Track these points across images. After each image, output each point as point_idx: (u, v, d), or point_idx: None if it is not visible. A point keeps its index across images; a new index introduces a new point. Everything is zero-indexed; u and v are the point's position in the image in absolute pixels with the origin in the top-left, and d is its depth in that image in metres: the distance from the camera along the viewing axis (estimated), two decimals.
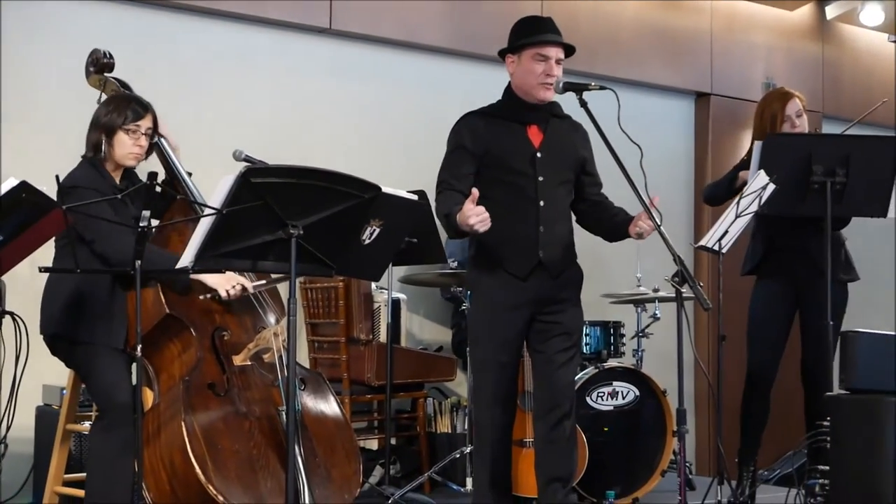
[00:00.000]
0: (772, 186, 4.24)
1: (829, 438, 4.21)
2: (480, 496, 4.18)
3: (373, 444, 5.51)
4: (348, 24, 5.92)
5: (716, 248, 4.28)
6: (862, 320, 4.58)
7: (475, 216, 3.69)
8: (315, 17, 5.83)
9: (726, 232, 4.27)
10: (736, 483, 4.91)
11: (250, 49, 5.74)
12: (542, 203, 4.05)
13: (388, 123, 6.05)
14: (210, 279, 3.86)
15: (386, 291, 5.44)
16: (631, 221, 4.02)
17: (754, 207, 4.25)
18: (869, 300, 5.64)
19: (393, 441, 5.42)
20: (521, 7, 6.01)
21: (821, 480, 4.33)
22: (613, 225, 4.13)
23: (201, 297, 3.91)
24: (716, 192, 5.06)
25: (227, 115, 5.47)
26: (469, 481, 5.12)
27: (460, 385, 5.93)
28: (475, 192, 3.73)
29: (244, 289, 3.93)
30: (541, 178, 4.06)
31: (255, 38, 5.76)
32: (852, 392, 4.20)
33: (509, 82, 4.18)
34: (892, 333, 4.29)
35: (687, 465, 5.09)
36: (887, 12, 7.21)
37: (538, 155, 4.08)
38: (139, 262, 3.39)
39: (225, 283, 3.87)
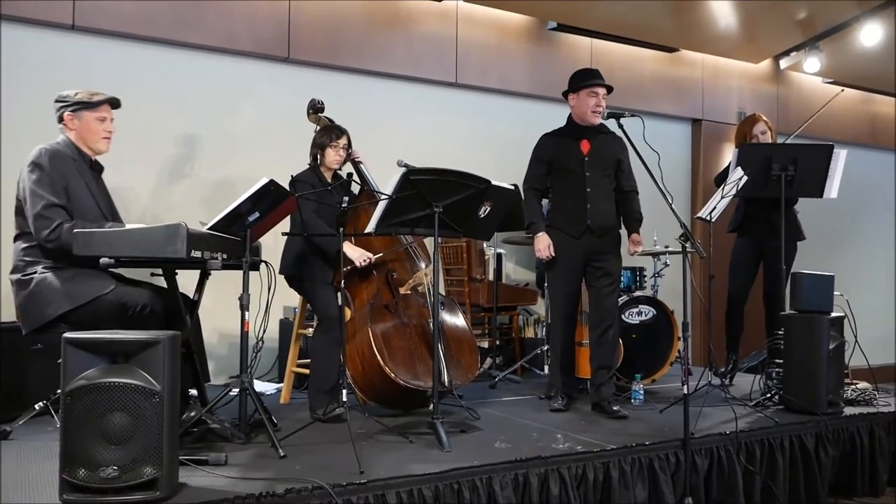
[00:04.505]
0: (745, 178, 4.12)
1: (783, 342, 4.11)
2: (554, 377, 4.19)
3: (484, 344, 5.52)
4: (469, 79, 5.87)
5: (708, 218, 4.17)
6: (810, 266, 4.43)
7: (544, 251, 4.00)
8: (447, 75, 5.79)
9: (714, 208, 4.15)
10: (725, 364, 4.92)
11: (403, 99, 5.71)
12: (589, 189, 4.02)
13: (493, 143, 5.97)
14: (350, 253, 3.82)
15: (493, 248, 5.44)
16: (629, 232, 4.09)
17: (733, 192, 4.12)
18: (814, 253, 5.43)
19: (497, 342, 5.41)
20: (580, 62, 5.94)
21: (777, 370, 4.21)
22: (625, 224, 4.12)
23: (343, 269, 3.57)
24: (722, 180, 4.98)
25: (392, 142, 5.39)
26: (546, 368, 5.11)
27: (540, 307, 5.88)
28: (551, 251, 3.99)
29: (370, 260, 3.88)
30: (588, 174, 4.03)
31: (411, 92, 5.74)
32: (799, 312, 4.10)
33: (570, 113, 4.13)
34: (826, 274, 4.16)
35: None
36: (822, 63, 6.92)
37: (586, 159, 4.03)
38: (342, 228, 3.45)
39: (359, 257, 3.85)
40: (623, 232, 4.14)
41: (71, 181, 3.21)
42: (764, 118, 4.85)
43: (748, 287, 4.87)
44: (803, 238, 4.80)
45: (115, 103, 3.43)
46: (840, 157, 4.39)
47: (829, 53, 6.94)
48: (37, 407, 3.42)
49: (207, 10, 4.93)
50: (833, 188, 4.42)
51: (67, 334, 2.45)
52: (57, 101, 3.37)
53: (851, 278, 6.95)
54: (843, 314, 4.15)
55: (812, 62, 6.92)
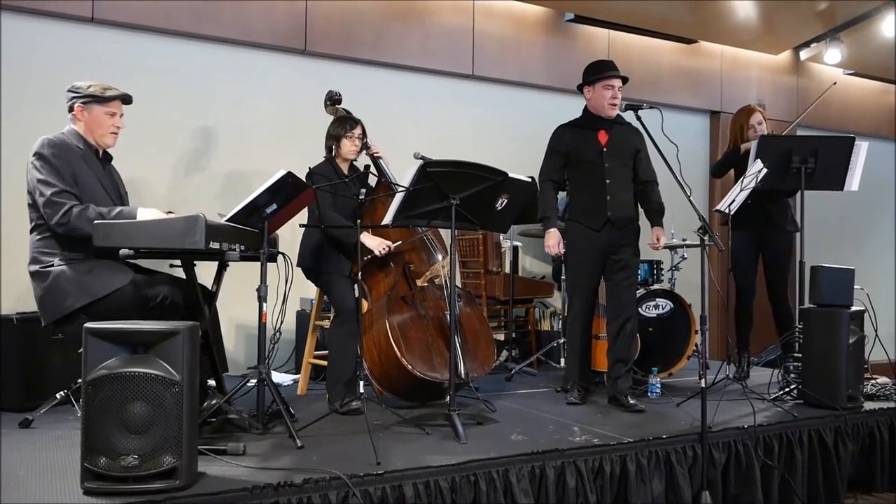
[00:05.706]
0: (765, 170, 4.08)
1: (801, 336, 4.07)
2: (570, 370, 4.17)
3: (500, 336, 5.52)
4: (485, 71, 5.85)
5: (726, 210, 4.13)
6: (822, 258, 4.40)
7: (554, 248, 3.99)
8: (463, 67, 5.78)
9: (733, 201, 4.11)
10: (737, 363, 4.84)
11: (420, 91, 5.69)
12: (608, 181, 3.98)
13: (510, 136, 5.95)
14: (368, 243, 3.80)
15: (509, 240, 5.42)
16: (652, 224, 4.06)
17: (753, 184, 4.07)
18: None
19: (513, 335, 5.41)
20: (597, 53, 5.90)
21: (795, 364, 4.18)
22: (647, 215, 4.10)
23: (365, 258, 3.71)
24: (717, 169, 5.01)
25: (408, 134, 5.43)
26: (562, 361, 5.09)
27: (556, 300, 5.87)
28: (560, 248, 3.99)
29: (389, 248, 3.86)
30: (607, 165, 4.00)
31: (428, 84, 5.72)
32: (818, 306, 4.07)
33: (586, 105, 4.11)
34: (847, 267, 4.13)
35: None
36: (843, 54, 6.84)
37: (605, 150, 4.01)
38: (359, 220, 3.45)
39: (378, 245, 3.82)
40: (642, 224, 4.12)
41: (77, 170, 3.22)
42: (760, 109, 4.86)
43: (754, 281, 4.83)
44: (797, 229, 4.77)
45: (126, 99, 3.44)
46: (861, 149, 4.35)
47: (850, 44, 6.86)
48: (58, 396, 3.46)
49: (224, 3, 4.95)
50: (854, 181, 4.38)
51: (88, 324, 2.48)
52: (69, 90, 3.37)
53: (871, 271, 6.89)
54: (863, 308, 4.11)
55: (833, 53, 6.85)
